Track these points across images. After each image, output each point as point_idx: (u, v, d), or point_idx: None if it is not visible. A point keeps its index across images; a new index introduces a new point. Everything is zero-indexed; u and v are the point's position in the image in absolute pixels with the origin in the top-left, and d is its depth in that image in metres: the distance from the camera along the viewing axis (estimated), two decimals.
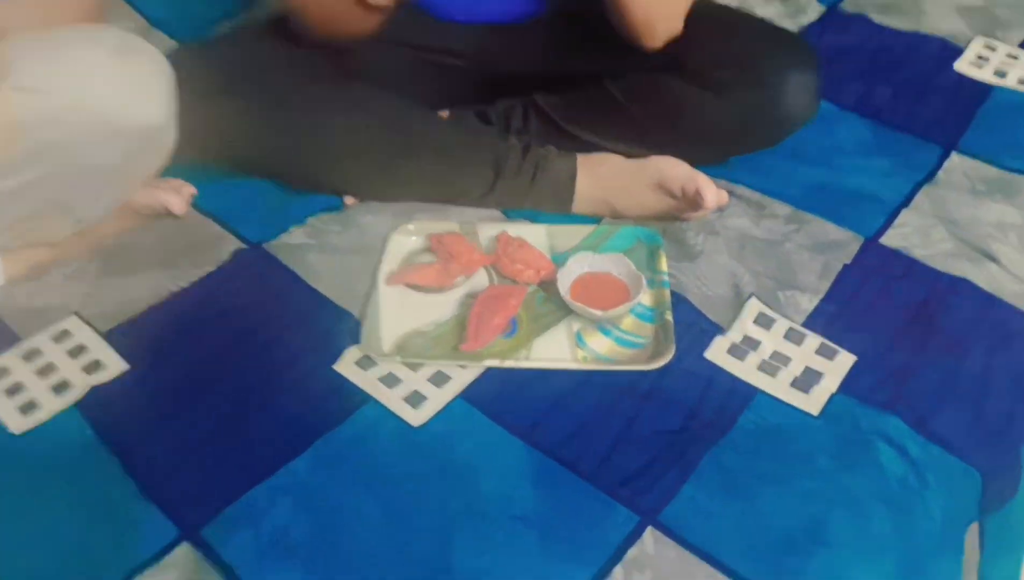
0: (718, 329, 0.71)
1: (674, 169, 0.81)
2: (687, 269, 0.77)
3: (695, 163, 0.85)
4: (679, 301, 0.74)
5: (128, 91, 0.70)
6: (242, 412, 0.66)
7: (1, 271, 0.79)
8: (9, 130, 0.67)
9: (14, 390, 0.68)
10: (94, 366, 0.71)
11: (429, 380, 0.68)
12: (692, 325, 0.72)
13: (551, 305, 0.73)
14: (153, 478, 0.62)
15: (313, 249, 0.81)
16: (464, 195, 0.85)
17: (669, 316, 0.71)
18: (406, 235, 0.81)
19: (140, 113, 0.71)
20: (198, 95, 0.76)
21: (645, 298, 0.73)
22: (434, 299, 0.75)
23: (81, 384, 0.69)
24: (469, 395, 0.66)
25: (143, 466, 0.63)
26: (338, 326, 0.73)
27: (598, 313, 0.69)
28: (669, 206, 0.82)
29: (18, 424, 0.66)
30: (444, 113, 0.95)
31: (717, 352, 0.69)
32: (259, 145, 0.84)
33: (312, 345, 0.71)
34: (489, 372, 0.68)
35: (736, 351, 0.69)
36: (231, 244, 0.83)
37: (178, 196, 0.85)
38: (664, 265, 0.76)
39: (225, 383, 0.69)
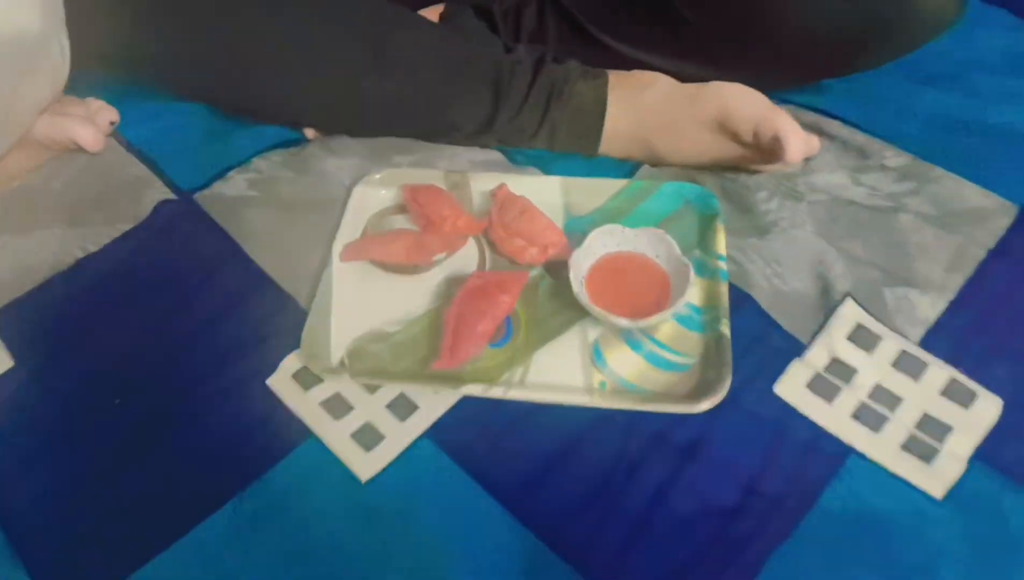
0: (795, 346, 0.50)
1: (744, 102, 0.57)
2: (754, 250, 0.56)
3: (775, 87, 0.61)
4: (741, 300, 0.53)
5: None
6: (143, 446, 0.50)
7: None
8: None
9: None
10: None
11: (389, 407, 0.50)
12: (758, 339, 0.51)
13: (560, 300, 0.53)
14: (20, 536, 0.47)
15: (255, 203, 0.62)
16: (453, 130, 0.64)
17: (726, 326, 0.50)
18: (373, 187, 0.61)
19: (16, 25, 0.51)
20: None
21: (692, 295, 0.53)
22: (404, 284, 0.56)
23: None
24: (440, 434, 0.48)
25: (8, 517, 0.48)
26: (278, 319, 0.55)
27: (623, 321, 0.49)
28: (732, 153, 0.59)
29: None
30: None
31: (793, 385, 0.49)
32: (187, 58, 0.63)
33: (242, 347, 0.54)
34: (469, 402, 0.50)
35: (820, 385, 0.49)
36: (155, 192, 0.64)
37: (91, 126, 0.65)
38: (722, 243, 0.55)
39: (125, 401, 0.52)
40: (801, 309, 0.52)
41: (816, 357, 0.50)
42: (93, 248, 0.61)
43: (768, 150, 0.56)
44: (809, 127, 0.61)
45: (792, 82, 0.66)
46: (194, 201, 0.63)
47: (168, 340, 0.55)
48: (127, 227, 0.62)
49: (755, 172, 0.60)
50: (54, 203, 0.64)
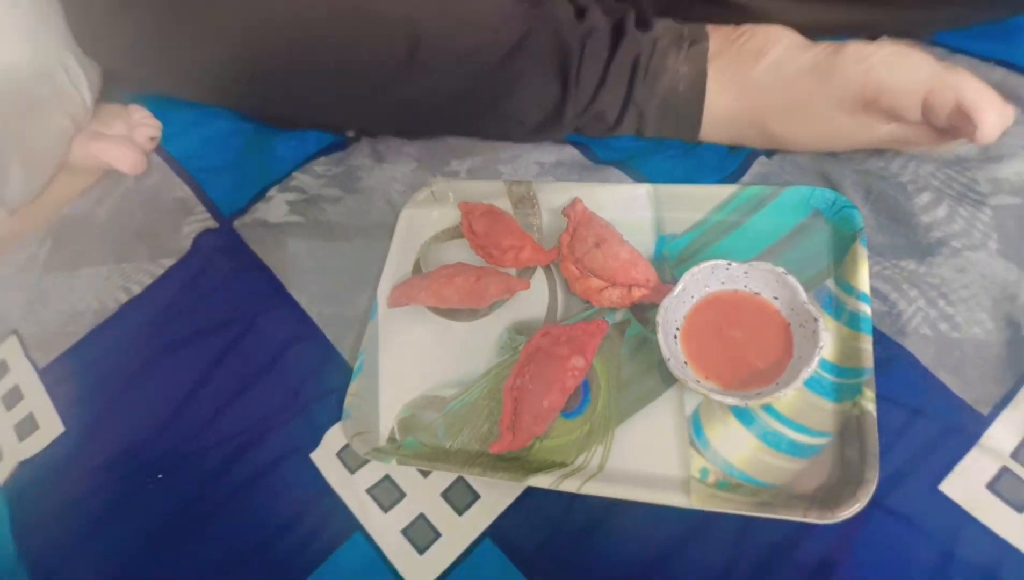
0: (972, 423, 0.37)
1: (904, 68, 0.42)
2: (911, 280, 0.42)
3: (947, 25, 0.45)
4: (893, 355, 0.40)
5: None
6: (180, 532, 0.45)
7: None
8: None
9: None
10: (28, 425, 0.53)
11: (445, 496, 0.42)
12: (917, 413, 0.38)
13: (650, 354, 0.43)
14: None
15: (298, 231, 0.55)
16: (514, 124, 0.52)
17: (870, 394, 0.38)
18: (423, 208, 0.51)
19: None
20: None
21: (824, 349, 0.40)
22: (461, 331, 0.47)
23: (11, 456, 0.52)
24: (504, 534, 0.40)
25: None
26: (324, 376, 0.48)
27: (730, 398, 0.38)
28: (884, 135, 0.45)
29: None
30: None
31: (967, 481, 0.36)
32: (223, 61, 0.54)
33: (285, 412, 0.48)
34: (538, 493, 0.41)
35: (1009, 484, 0.36)
36: (196, 220, 0.58)
37: (128, 148, 0.60)
38: (865, 273, 0.41)
39: (166, 475, 0.48)
40: (980, 367, 0.39)
41: (1002, 440, 0.37)
42: (137, 289, 0.56)
43: (946, 129, 0.41)
44: (995, 89, 0.44)
45: (963, 18, 0.49)
46: (234, 231, 0.56)
47: (209, 401, 0.50)
48: (169, 262, 0.56)
49: (916, 152, 0.45)
50: (100, 236, 0.60)
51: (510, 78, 0.50)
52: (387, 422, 0.45)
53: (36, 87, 0.51)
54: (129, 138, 0.61)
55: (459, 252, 0.50)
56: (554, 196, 0.50)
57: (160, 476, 0.48)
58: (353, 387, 0.45)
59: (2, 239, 0.62)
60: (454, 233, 0.51)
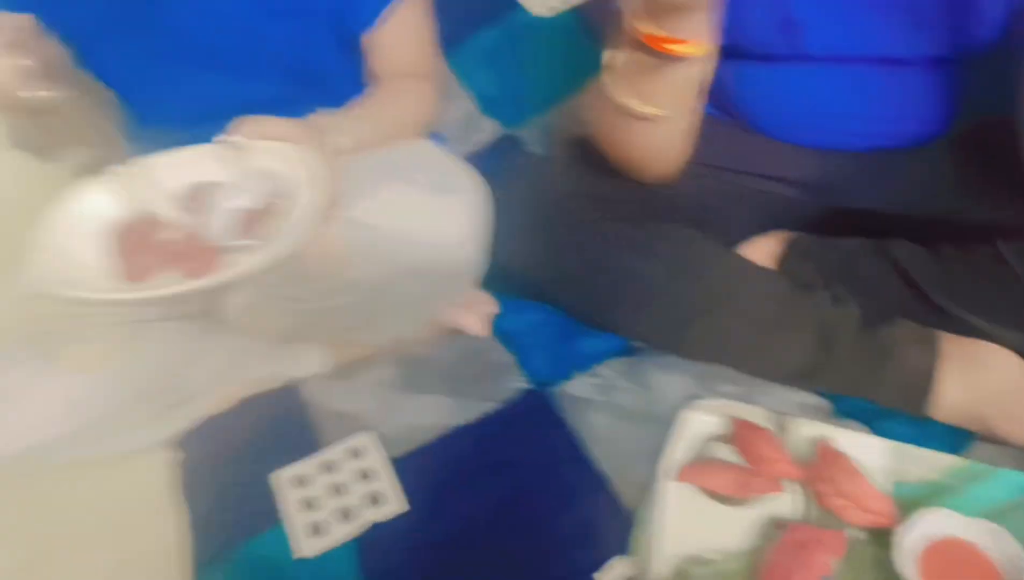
0: None
1: None
2: None
3: None
4: None
5: (444, 230, 0.69)
6: None
7: (319, 360, 0.86)
8: (339, 258, 0.70)
9: (307, 505, 0.72)
10: (378, 498, 0.72)
11: None
12: None
13: (884, 573, 0.57)
14: None
15: (598, 407, 0.74)
16: (777, 369, 0.71)
17: None
18: (701, 413, 0.70)
19: (454, 250, 0.70)
20: (505, 222, 0.74)
21: None
22: (728, 514, 0.63)
23: (363, 516, 0.71)
24: None
25: None
26: (609, 520, 0.65)
27: None
28: None
29: (301, 547, 0.69)
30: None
31: None
32: (552, 278, 0.78)
33: (577, 538, 0.64)
34: None
35: None
36: (516, 380, 0.79)
37: (477, 316, 0.84)
38: None
39: (483, 558, 0.65)
40: None
41: None
42: (466, 419, 0.77)
43: None
44: None
45: None
46: (547, 395, 0.77)
47: (510, 518, 0.68)
48: (494, 406, 0.77)
49: None
50: (444, 373, 0.82)
51: (780, 337, 0.70)
52: (661, 568, 0.60)
53: (470, 271, 0.75)
54: (475, 309, 0.84)
55: (726, 454, 0.67)
56: (806, 430, 0.66)
57: (480, 563, 0.65)
58: (636, 534, 0.62)
59: (358, 357, 0.86)
60: (723, 438, 0.68)
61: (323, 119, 0.74)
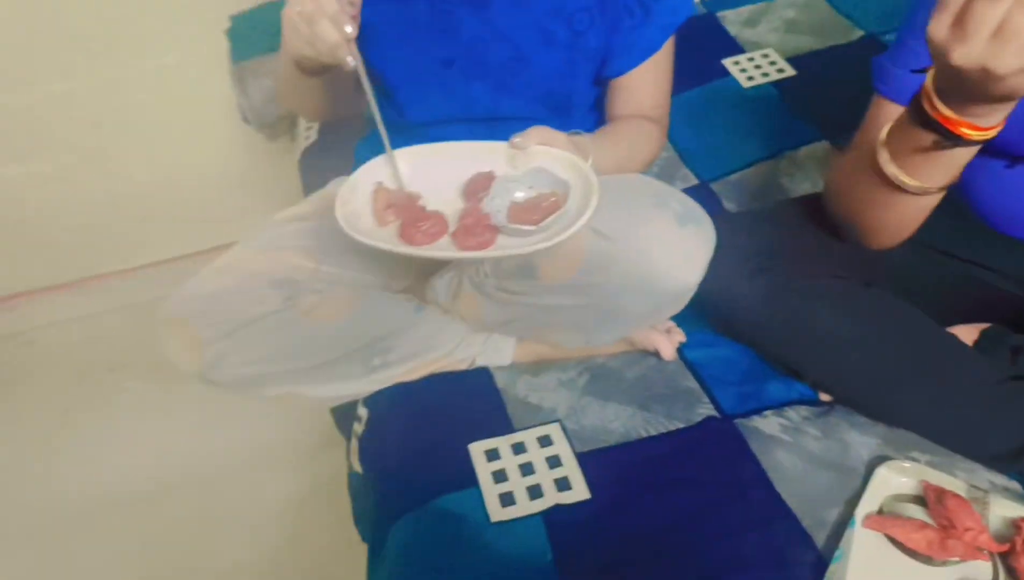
0: None
1: None
2: None
3: None
4: None
5: (679, 258, 0.75)
6: None
7: (511, 353, 0.93)
8: (575, 261, 0.77)
9: (499, 477, 0.79)
10: (563, 483, 0.78)
11: None
12: None
13: None
14: None
15: (785, 446, 0.78)
16: (980, 449, 0.73)
17: None
18: (897, 473, 0.73)
19: (680, 278, 0.76)
20: (726, 264, 0.79)
21: None
22: (918, 570, 0.66)
23: (549, 496, 0.77)
24: None
25: None
26: (796, 553, 0.69)
27: None
28: None
29: (496, 512, 0.76)
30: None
31: None
32: (757, 322, 0.83)
33: (762, 563, 0.68)
34: None
35: None
36: (704, 407, 0.84)
37: (669, 341, 0.90)
38: None
39: (665, 565, 0.70)
40: None
41: None
42: (653, 432, 0.82)
43: None
44: None
45: None
46: (735, 425, 0.81)
47: (695, 528, 0.72)
48: (680, 426, 0.82)
49: None
50: (629, 387, 0.88)
51: (986, 419, 0.73)
52: None
53: (687, 298, 0.81)
54: (666, 334, 0.90)
55: (917, 514, 0.70)
56: (1004, 509, 0.68)
57: (663, 561, 0.70)
58: (832, 568, 0.65)
59: (544, 358, 0.93)
60: (915, 499, 0.71)
61: (582, 139, 0.82)
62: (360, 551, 0.97)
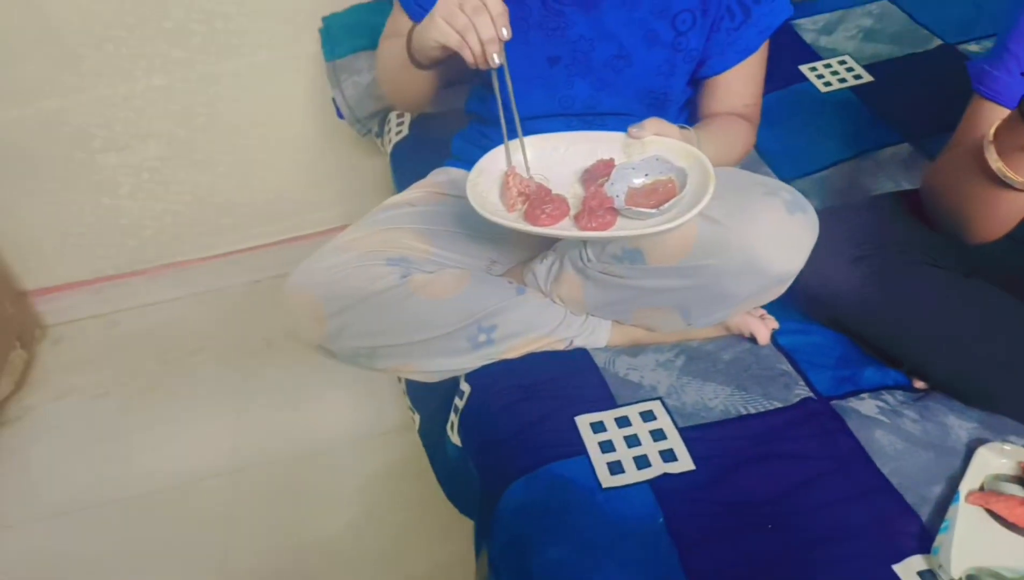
0: None
1: None
2: None
3: None
4: None
5: (788, 244, 0.80)
6: (778, 567, 0.70)
7: (607, 336, 0.98)
8: (685, 244, 0.82)
9: (606, 447, 0.84)
10: (668, 455, 0.82)
11: None
12: None
13: None
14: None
15: (883, 426, 0.82)
16: None
17: None
18: (997, 454, 0.76)
19: (787, 263, 0.80)
20: (826, 252, 0.83)
21: None
22: (1016, 541, 0.69)
23: (656, 466, 0.81)
24: None
25: (697, 569, 0.71)
26: (900, 524, 0.72)
27: None
28: None
29: (605, 479, 0.80)
30: None
31: None
32: (860, 310, 0.87)
33: (868, 532, 0.72)
34: None
35: None
36: (800, 388, 0.88)
37: (764, 327, 0.94)
38: None
39: (771, 530, 0.73)
40: None
41: None
42: (752, 410, 0.86)
43: None
44: None
45: None
46: (831, 405, 0.85)
47: (799, 499, 0.76)
48: (779, 405, 0.86)
49: None
50: (726, 368, 0.92)
51: None
52: (957, 570, 0.67)
53: (788, 283, 0.85)
54: (762, 321, 0.94)
55: (1016, 491, 0.73)
56: None
57: (770, 527, 0.74)
58: (940, 537, 0.69)
59: (640, 341, 0.97)
60: (1015, 479, 0.74)
61: (688, 132, 0.87)
62: (433, 525, 1.02)
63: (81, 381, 1.65)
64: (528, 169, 0.84)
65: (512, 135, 0.84)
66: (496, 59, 0.78)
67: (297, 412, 1.54)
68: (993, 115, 0.80)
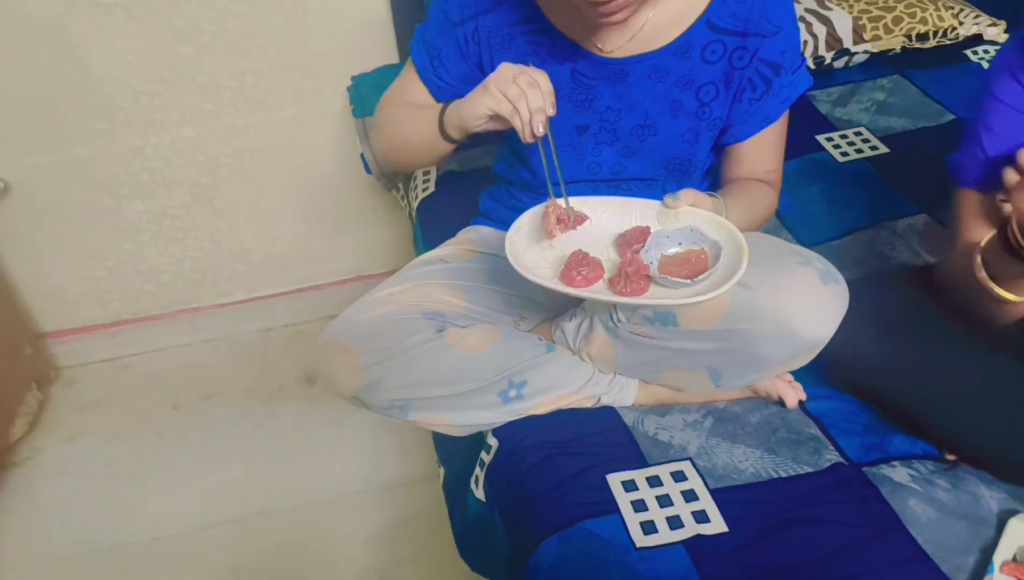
0: None
1: None
2: None
3: None
4: None
5: (820, 312, 0.82)
6: None
7: (635, 394, 0.99)
8: (718, 309, 0.84)
9: (639, 507, 0.84)
10: (701, 516, 0.82)
11: None
12: None
13: None
14: None
15: (916, 495, 0.82)
16: None
17: None
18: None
19: (818, 331, 0.82)
20: (858, 323, 0.85)
21: None
22: None
23: (689, 527, 0.81)
24: None
25: None
26: None
27: None
28: None
29: (639, 539, 0.80)
30: None
31: None
32: (883, 383, 0.89)
33: None
34: None
35: None
36: (830, 454, 0.89)
37: (792, 391, 0.95)
38: None
39: None
40: None
41: None
42: (783, 474, 0.87)
43: None
44: None
45: None
46: (863, 473, 0.86)
47: (834, 566, 0.76)
48: (809, 470, 0.87)
49: None
50: (754, 431, 0.93)
51: None
52: None
53: (818, 349, 0.87)
54: (789, 385, 0.96)
55: None
56: None
57: None
58: None
59: (666, 401, 0.98)
60: None
61: (720, 202, 0.90)
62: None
63: (93, 424, 1.65)
64: (571, 214, 0.86)
65: (557, 194, 0.87)
66: (541, 128, 0.82)
67: (307, 461, 1.54)
68: (974, 199, 0.84)
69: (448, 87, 1.01)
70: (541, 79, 0.82)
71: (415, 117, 1.00)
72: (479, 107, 0.85)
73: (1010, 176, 0.62)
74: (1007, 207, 0.75)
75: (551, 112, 0.83)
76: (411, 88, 1.05)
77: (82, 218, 1.66)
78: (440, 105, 0.96)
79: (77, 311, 1.77)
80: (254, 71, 1.58)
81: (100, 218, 1.67)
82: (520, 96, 0.81)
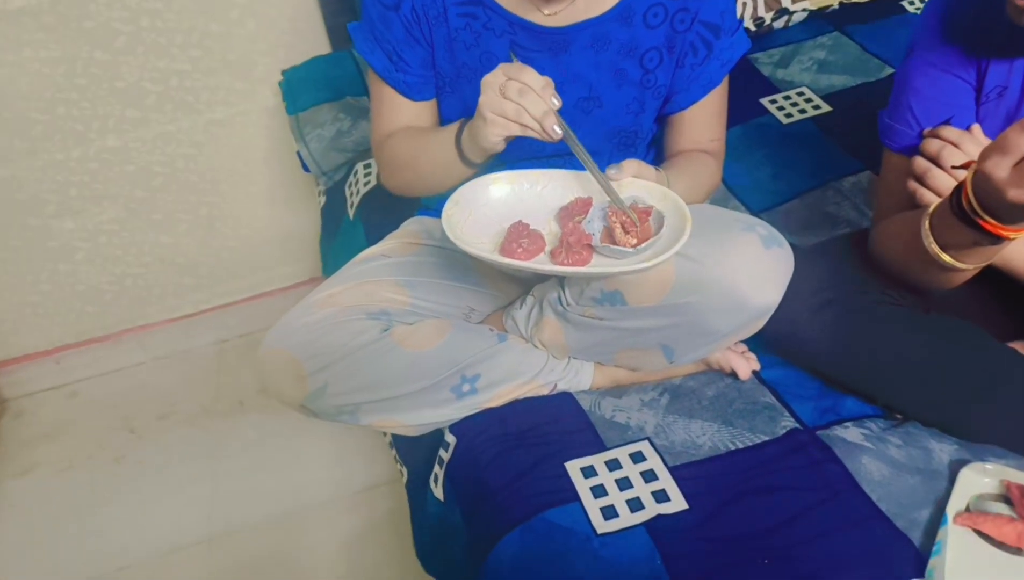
0: None
1: None
2: None
3: None
4: None
5: (766, 278, 0.80)
6: None
7: (591, 378, 0.98)
8: (664, 284, 0.82)
9: (598, 492, 0.82)
10: (661, 495, 0.82)
11: None
12: None
13: None
14: None
15: (869, 453, 0.82)
16: None
17: None
18: (980, 474, 0.77)
19: (766, 297, 0.81)
20: (792, 297, 0.84)
21: None
22: (1006, 559, 0.70)
23: (650, 508, 0.80)
24: None
25: None
26: (894, 550, 0.72)
27: None
28: None
29: (600, 525, 0.79)
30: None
31: None
32: (823, 356, 0.88)
33: (864, 561, 0.72)
34: None
35: None
36: (785, 420, 0.88)
37: (745, 362, 0.94)
38: None
39: (768, 564, 0.73)
40: None
41: None
42: (740, 445, 0.86)
43: None
44: None
45: None
46: (818, 436, 0.85)
47: (791, 531, 0.76)
48: (766, 438, 0.86)
49: None
50: (709, 404, 0.92)
51: None
52: None
53: (767, 317, 0.86)
54: (742, 355, 0.95)
55: (1001, 509, 0.74)
56: None
57: (766, 561, 0.74)
58: (932, 561, 0.69)
59: (623, 382, 0.97)
60: (998, 498, 0.75)
61: (662, 174, 0.88)
62: None
63: (45, 455, 1.59)
64: (620, 201, 0.81)
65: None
66: (557, 129, 0.78)
67: (273, 473, 1.50)
68: (903, 165, 0.84)
69: (415, 81, 0.97)
70: (529, 78, 0.77)
71: (427, 149, 0.95)
72: (490, 136, 0.81)
73: (999, 169, 0.59)
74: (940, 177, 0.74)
75: (557, 104, 0.78)
76: (392, 109, 0.99)
77: (10, 242, 1.59)
78: (449, 132, 0.91)
79: (15, 339, 1.70)
80: (178, 72, 1.51)
81: (29, 240, 1.59)
82: (519, 111, 0.77)
